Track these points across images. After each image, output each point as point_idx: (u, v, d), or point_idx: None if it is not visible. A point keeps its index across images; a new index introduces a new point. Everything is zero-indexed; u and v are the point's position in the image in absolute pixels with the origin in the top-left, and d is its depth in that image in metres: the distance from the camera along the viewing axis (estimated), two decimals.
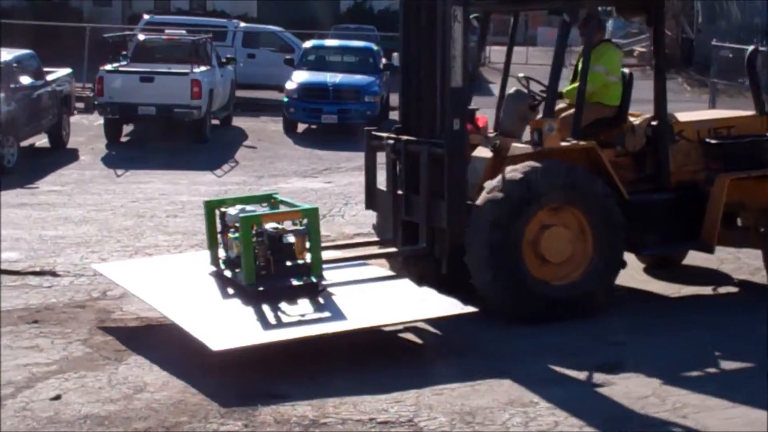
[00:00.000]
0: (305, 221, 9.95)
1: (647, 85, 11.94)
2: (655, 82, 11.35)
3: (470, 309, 9.45)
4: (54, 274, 11.90)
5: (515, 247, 10.06)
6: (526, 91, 11.51)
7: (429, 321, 9.79)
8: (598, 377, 8.83)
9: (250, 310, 9.41)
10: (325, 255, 10.41)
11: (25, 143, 20.85)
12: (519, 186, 10.08)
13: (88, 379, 8.68)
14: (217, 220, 10.41)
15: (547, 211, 10.21)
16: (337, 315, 9.34)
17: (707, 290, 11.79)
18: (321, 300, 9.68)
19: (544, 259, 10.20)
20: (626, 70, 11.58)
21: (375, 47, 29.30)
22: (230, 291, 9.96)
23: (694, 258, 12.40)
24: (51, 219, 15.09)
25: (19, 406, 8.03)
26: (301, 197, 16.87)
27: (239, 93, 29.12)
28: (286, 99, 25.93)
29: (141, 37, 26.99)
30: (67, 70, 23.71)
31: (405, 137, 10.82)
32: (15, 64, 20.90)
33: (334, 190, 18.14)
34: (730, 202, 11.05)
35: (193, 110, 23.02)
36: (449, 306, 9.55)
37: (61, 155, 21.74)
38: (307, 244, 9.93)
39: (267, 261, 9.81)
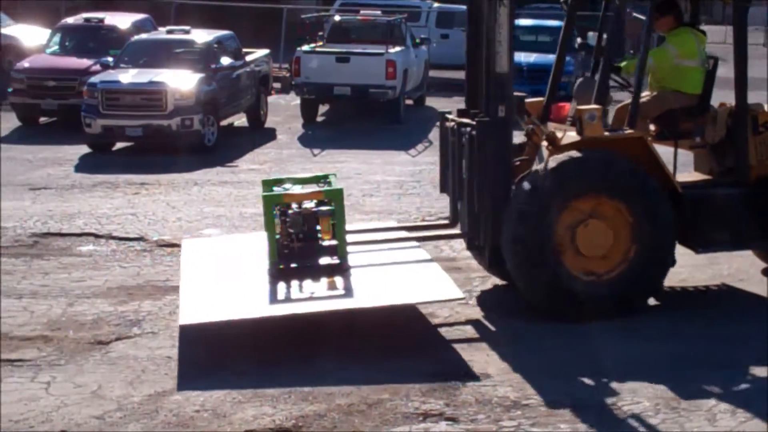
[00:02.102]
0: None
1: None
2: (735, 68, 10.35)
3: (459, 295, 9.25)
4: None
5: (545, 239, 9.51)
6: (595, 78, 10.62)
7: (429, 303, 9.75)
8: None
9: (263, 288, 9.43)
10: (376, 236, 10.75)
11: (224, 122, 21.31)
12: (550, 176, 9.55)
13: (284, 355, 8.82)
14: None
15: (586, 204, 9.60)
16: (345, 295, 9.26)
17: None
18: (337, 280, 9.57)
19: (581, 254, 9.62)
20: (711, 58, 10.83)
21: None
22: (263, 270, 9.88)
23: None
24: (251, 197, 15.34)
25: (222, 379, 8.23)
26: None
27: (432, 73, 29.13)
28: None
29: (337, 17, 27.24)
30: (265, 51, 24.11)
31: (461, 119, 10.47)
32: (215, 45, 21.38)
33: None
34: None
35: (387, 90, 23.14)
36: (446, 291, 9.28)
37: (259, 134, 22.12)
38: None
39: (291, 240, 9.83)
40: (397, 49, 24.17)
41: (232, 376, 8.29)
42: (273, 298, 9.23)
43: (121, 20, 24.50)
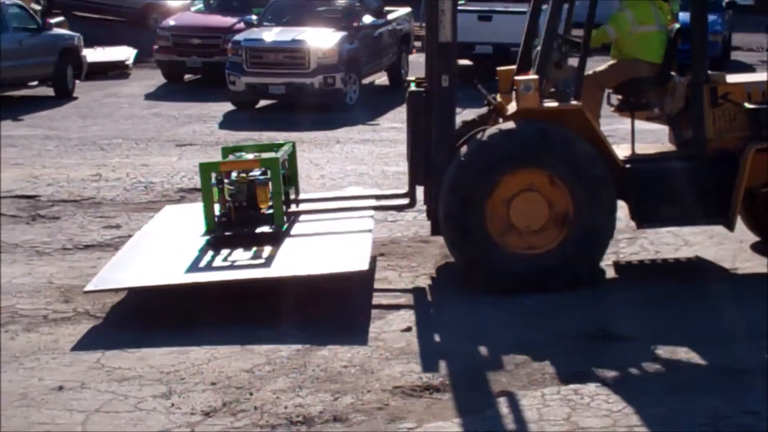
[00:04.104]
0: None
1: None
2: (693, 37, 9.76)
3: (363, 268, 8.90)
4: (398, 208, 11.98)
5: (476, 212, 9.17)
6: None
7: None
8: None
9: (189, 257, 9.38)
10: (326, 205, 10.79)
11: (365, 81, 21.38)
12: (483, 147, 9.26)
13: (435, 312, 8.85)
14: None
15: (521, 176, 9.23)
16: (263, 265, 9.15)
17: None
18: (265, 250, 9.45)
19: (515, 227, 9.28)
20: (676, 26, 10.35)
21: None
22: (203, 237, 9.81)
23: None
24: (392, 155, 15.39)
25: (373, 336, 8.30)
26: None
27: (573, 32, 28.76)
28: None
29: None
30: (407, 9, 24.09)
31: (414, 89, 10.16)
32: (357, 4, 21.43)
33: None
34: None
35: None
36: (353, 264, 9.00)
37: (399, 93, 22.05)
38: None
39: (228, 209, 9.80)
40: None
41: (382, 333, 8.35)
42: (192, 267, 9.20)
43: None
